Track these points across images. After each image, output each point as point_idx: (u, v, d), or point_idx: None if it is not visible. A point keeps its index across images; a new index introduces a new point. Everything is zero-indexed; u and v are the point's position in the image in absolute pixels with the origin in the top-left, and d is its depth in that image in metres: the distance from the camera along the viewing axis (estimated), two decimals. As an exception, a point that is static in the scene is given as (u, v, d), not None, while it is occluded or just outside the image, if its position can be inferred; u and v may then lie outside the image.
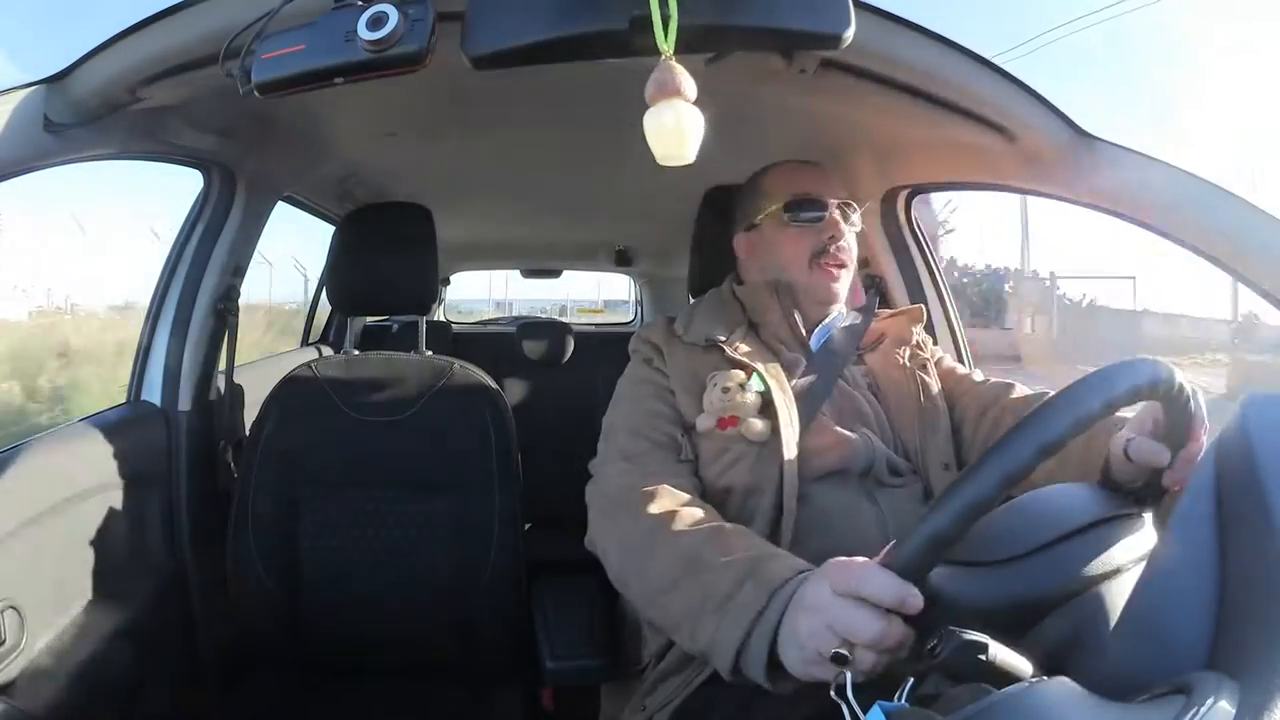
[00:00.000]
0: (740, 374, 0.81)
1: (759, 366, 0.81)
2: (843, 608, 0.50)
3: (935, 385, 0.90)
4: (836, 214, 0.90)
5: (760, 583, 0.57)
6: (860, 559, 0.52)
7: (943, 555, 0.48)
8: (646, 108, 0.56)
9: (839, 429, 0.82)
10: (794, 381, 0.85)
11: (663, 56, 0.55)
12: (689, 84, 0.55)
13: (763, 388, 0.80)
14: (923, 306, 1.00)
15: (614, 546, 0.73)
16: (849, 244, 0.91)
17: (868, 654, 0.49)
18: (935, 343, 1.03)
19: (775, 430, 0.78)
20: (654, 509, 0.71)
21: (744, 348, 0.85)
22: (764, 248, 0.94)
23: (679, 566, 0.64)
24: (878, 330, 0.96)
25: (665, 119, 0.55)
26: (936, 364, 0.94)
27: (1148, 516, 0.56)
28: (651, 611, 0.68)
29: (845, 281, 0.92)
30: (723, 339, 0.85)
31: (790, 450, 0.77)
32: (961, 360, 1.29)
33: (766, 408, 0.79)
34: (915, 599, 0.48)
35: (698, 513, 0.70)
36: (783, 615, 0.54)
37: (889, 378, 0.90)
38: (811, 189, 0.92)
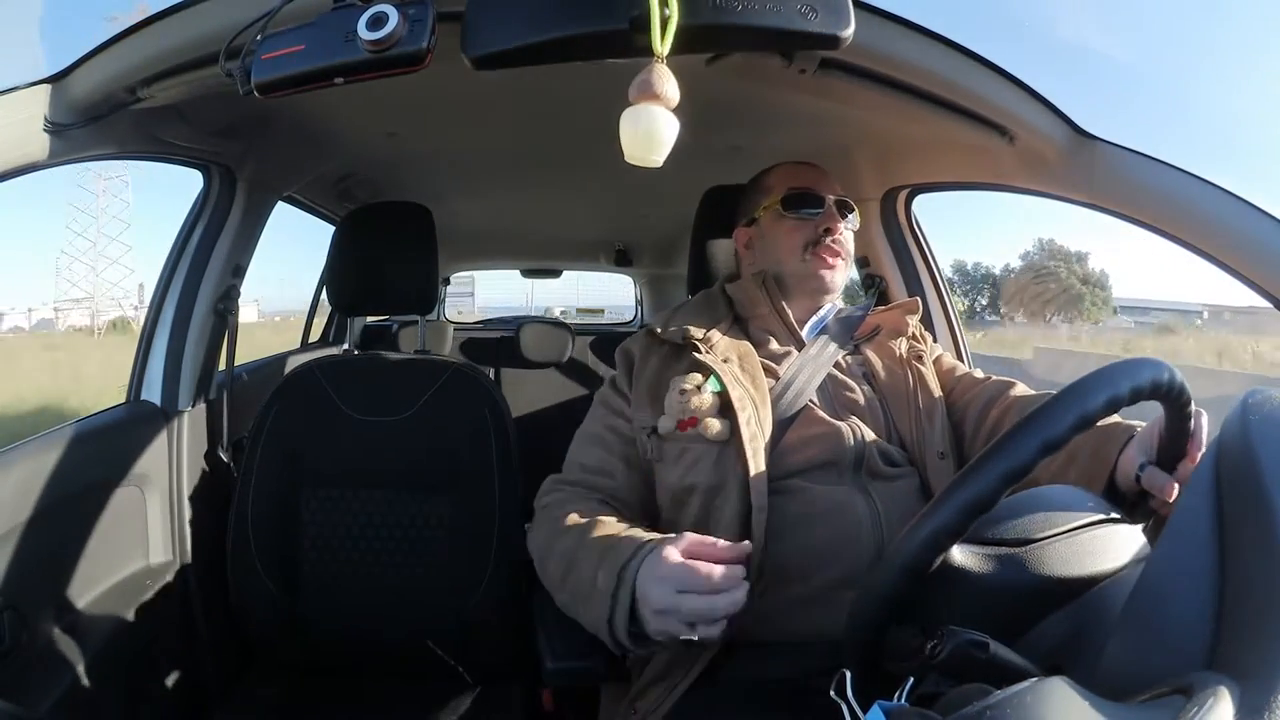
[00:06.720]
0: (698, 376, 0.82)
1: (720, 367, 0.82)
2: (683, 600, 0.61)
3: (931, 377, 0.90)
4: (833, 208, 0.92)
5: (609, 568, 0.67)
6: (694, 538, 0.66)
7: (971, 524, 0.48)
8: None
9: (828, 419, 0.83)
10: (783, 374, 0.86)
11: (657, 57, 0.55)
12: (672, 88, 0.55)
13: (719, 388, 0.80)
14: (918, 299, 1.01)
15: (534, 556, 0.83)
16: (844, 238, 0.93)
17: (710, 628, 0.61)
18: (934, 340, 1.04)
19: (735, 430, 0.78)
20: (553, 519, 0.80)
21: (723, 344, 0.86)
22: (761, 241, 0.96)
23: (562, 567, 0.75)
24: (873, 323, 0.96)
25: (639, 121, 0.55)
26: (936, 361, 0.95)
27: (1139, 527, 0.57)
28: (558, 601, 0.77)
29: (840, 273, 0.93)
30: (698, 336, 0.86)
31: (754, 449, 0.77)
32: (961, 358, 1.29)
33: (726, 408, 0.80)
34: (743, 553, 0.63)
35: (584, 516, 0.78)
36: (634, 591, 0.65)
37: (885, 368, 0.90)
38: (809, 184, 0.94)
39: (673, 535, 0.68)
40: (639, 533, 0.72)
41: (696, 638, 0.61)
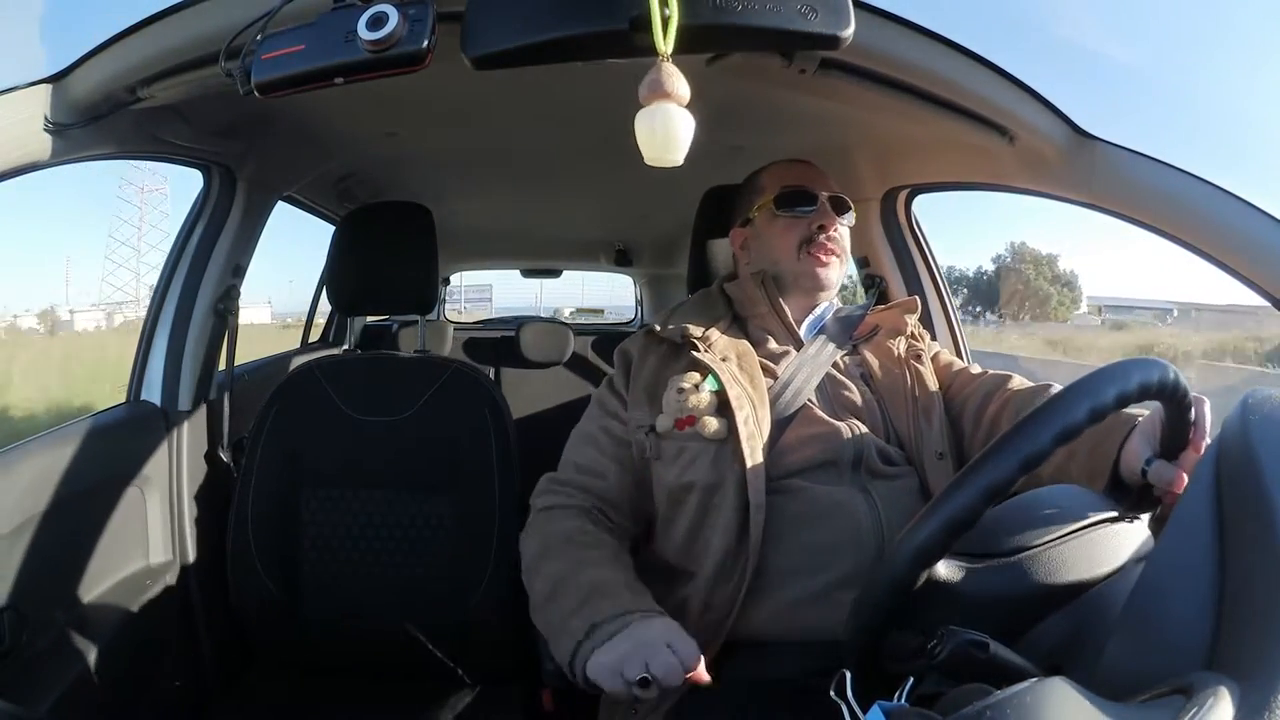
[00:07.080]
0: (696, 375, 0.83)
1: (719, 365, 0.82)
2: (662, 651, 0.65)
3: (930, 376, 0.90)
4: (827, 205, 0.92)
5: (585, 616, 0.70)
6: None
7: (954, 542, 0.48)
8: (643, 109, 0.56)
9: (826, 418, 0.83)
10: (781, 373, 0.86)
11: (659, 57, 0.55)
12: (682, 86, 0.55)
13: (717, 387, 0.81)
14: (916, 298, 1.01)
15: (522, 559, 0.84)
16: (839, 235, 0.92)
17: (655, 689, 0.65)
18: (934, 338, 1.04)
19: (733, 428, 0.78)
20: (546, 534, 0.82)
21: (721, 343, 0.86)
22: (756, 240, 0.96)
23: (546, 589, 0.76)
24: (872, 323, 0.96)
25: (655, 120, 0.55)
26: (934, 358, 0.95)
27: (1144, 519, 0.56)
28: (535, 620, 0.79)
29: (836, 270, 0.92)
30: (697, 335, 0.86)
31: (751, 447, 0.77)
32: (961, 357, 1.29)
33: (724, 407, 0.80)
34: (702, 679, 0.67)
35: (576, 549, 0.78)
36: (599, 645, 0.68)
37: (883, 368, 0.90)
38: (802, 182, 0.94)
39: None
40: (625, 597, 0.72)
41: (650, 678, 0.64)
